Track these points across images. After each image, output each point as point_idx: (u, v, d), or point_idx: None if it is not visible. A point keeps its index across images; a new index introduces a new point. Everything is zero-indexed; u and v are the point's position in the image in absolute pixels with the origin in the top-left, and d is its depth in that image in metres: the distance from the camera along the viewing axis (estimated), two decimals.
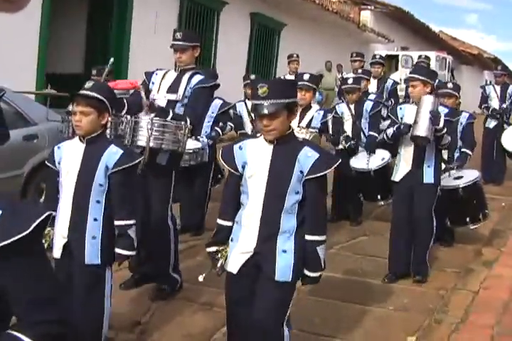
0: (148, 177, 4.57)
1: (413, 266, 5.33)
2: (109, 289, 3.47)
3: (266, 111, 2.94)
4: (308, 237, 3.06)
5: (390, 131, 5.23)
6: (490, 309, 4.55)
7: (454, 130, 5.89)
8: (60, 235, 3.38)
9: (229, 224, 3.19)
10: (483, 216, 5.95)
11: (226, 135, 7.10)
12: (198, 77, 4.69)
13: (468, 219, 5.88)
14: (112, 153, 3.34)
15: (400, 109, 5.36)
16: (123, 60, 11.03)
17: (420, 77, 5.09)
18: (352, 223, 7.04)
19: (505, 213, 7.79)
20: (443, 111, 5.16)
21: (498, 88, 9.65)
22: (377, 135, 6.83)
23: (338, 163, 3.10)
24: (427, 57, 10.00)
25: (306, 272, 3.12)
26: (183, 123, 4.39)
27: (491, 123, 9.59)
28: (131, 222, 3.40)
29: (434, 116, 4.86)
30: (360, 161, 6.55)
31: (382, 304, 4.80)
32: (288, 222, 3.05)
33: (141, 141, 4.29)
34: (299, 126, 5.34)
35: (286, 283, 3.05)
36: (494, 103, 9.57)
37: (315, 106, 6.00)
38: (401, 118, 5.25)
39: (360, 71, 8.38)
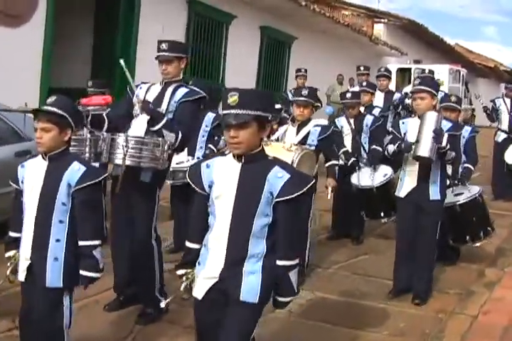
0: (131, 196, 4.42)
1: (415, 286, 5.11)
2: (67, 317, 3.25)
3: (233, 121, 2.75)
4: (279, 262, 2.84)
5: (391, 149, 5.06)
6: (488, 335, 4.32)
7: (458, 144, 5.70)
8: (23, 257, 3.25)
9: (196, 246, 3.00)
10: (485, 233, 5.71)
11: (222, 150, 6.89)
12: (182, 90, 4.50)
13: (468, 238, 5.67)
14: (75, 171, 3.19)
15: (403, 123, 5.16)
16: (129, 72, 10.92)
17: (428, 89, 4.91)
18: (353, 241, 6.83)
19: None
20: (446, 125, 4.98)
21: (508, 101, 9.45)
22: (380, 149, 6.63)
23: (311, 184, 2.86)
24: (431, 71, 9.77)
25: (279, 298, 2.93)
26: (160, 139, 4.22)
27: (500, 137, 9.37)
28: (96, 242, 3.23)
29: (437, 134, 4.68)
30: (362, 178, 6.35)
31: (377, 328, 4.58)
32: (256, 246, 2.83)
33: (118, 159, 4.15)
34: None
35: (253, 304, 2.83)
36: (504, 116, 9.36)
37: (313, 122, 5.63)
38: (404, 134, 5.06)
39: (364, 84, 8.19)
